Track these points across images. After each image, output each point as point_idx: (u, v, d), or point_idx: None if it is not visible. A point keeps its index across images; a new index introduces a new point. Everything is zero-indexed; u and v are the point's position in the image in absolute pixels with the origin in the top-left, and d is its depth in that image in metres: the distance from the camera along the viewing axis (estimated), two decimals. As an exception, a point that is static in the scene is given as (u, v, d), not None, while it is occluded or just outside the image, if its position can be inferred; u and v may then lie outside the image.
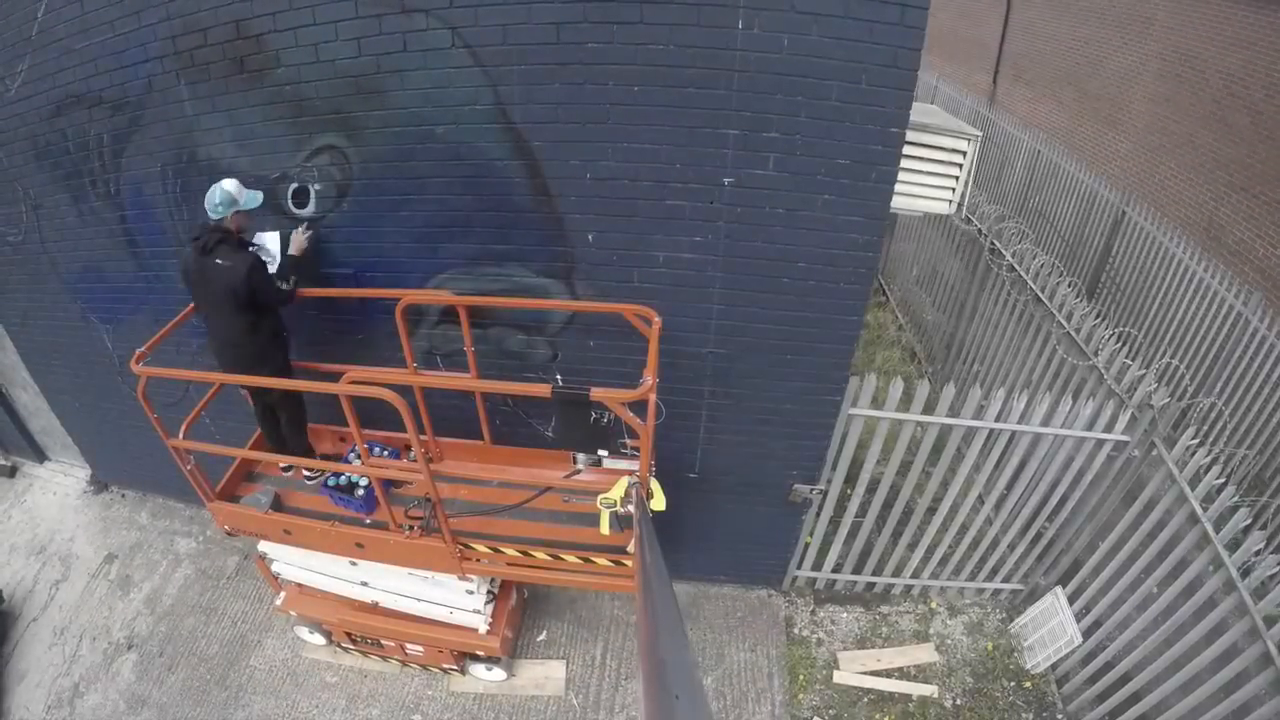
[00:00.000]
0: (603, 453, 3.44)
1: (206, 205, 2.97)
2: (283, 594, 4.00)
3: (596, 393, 2.60)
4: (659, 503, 2.88)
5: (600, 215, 3.00)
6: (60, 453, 5.72)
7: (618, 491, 2.71)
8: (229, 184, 3.00)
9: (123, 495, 5.49)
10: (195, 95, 3.27)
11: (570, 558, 3.24)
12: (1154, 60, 8.10)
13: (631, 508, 2.60)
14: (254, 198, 3.07)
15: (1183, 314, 5.85)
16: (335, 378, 2.81)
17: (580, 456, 3.64)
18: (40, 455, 5.80)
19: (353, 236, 3.30)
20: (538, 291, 3.23)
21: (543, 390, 2.67)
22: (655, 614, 1.30)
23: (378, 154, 3.10)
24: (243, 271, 2.97)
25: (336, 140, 3.14)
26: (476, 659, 4.03)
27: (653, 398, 2.86)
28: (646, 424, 2.75)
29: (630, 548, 3.09)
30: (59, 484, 5.66)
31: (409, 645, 4.01)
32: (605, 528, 2.81)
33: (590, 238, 3.05)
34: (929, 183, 3.81)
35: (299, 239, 3.25)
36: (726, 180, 2.89)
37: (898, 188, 3.72)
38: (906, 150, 3.69)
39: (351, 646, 4.21)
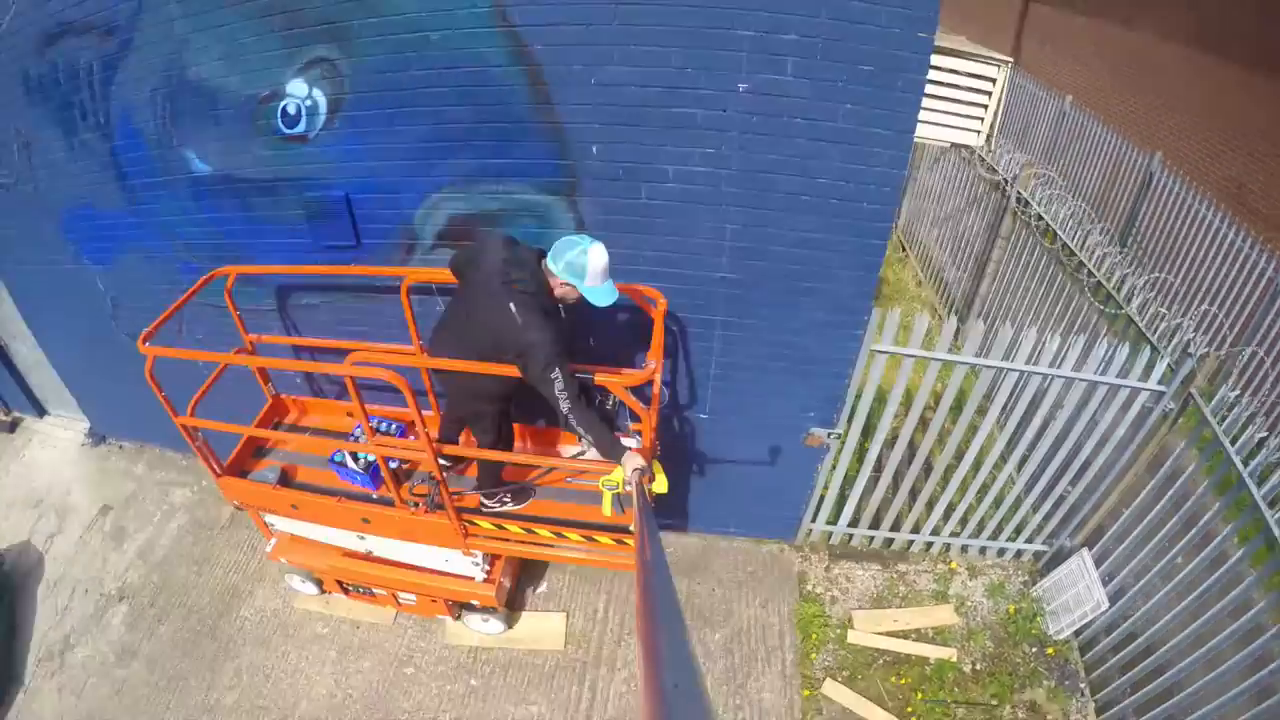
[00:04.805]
0: None
1: (554, 248, 2.52)
2: (273, 541, 3.87)
3: (600, 376, 2.60)
4: (661, 485, 2.84)
5: (605, 125, 2.80)
6: (59, 406, 5.64)
7: (619, 473, 2.67)
8: (596, 253, 2.45)
9: (120, 447, 5.40)
10: (186, 13, 3.12)
11: (573, 535, 3.23)
12: (1184, 21, 7.77)
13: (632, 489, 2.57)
14: (601, 294, 2.50)
15: (1211, 277, 5.60)
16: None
17: (585, 437, 3.57)
18: (40, 409, 5.72)
19: (345, 155, 3.13)
20: (539, 209, 3.05)
21: None
22: (653, 601, 1.28)
23: (371, 65, 2.92)
24: (524, 341, 2.45)
25: (328, 52, 2.97)
26: (472, 609, 3.88)
27: (657, 379, 2.83)
28: (650, 408, 2.73)
29: (632, 526, 3.06)
30: (58, 437, 5.57)
31: (402, 595, 3.88)
32: (608, 508, 2.79)
33: (595, 150, 2.86)
34: (957, 111, 3.60)
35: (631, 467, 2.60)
36: (741, 86, 2.69)
37: (924, 115, 3.52)
38: (933, 76, 3.48)
39: (343, 595, 4.08)
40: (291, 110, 3.10)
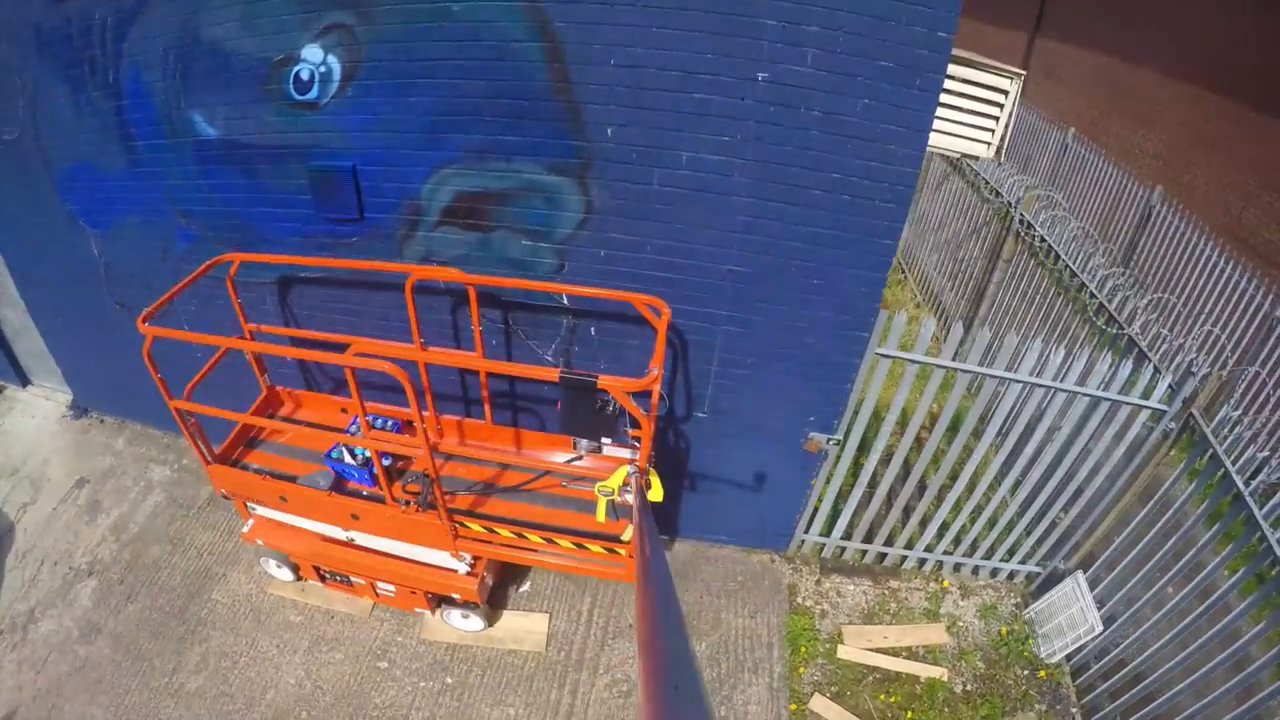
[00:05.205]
0: (605, 440, 3.42)
1: None
2: (250, 521, 3.74)
3: (603, 380, 2.59)
4: (657, 493, 2.83)
5: (622, 106, 2.78)
6: (44, 377, 5.51)
7: (616, 480, 2.66)
8: None
9: (101, 421, 5.26)
10: (207, -29, 3.10)
11: (564, 542, 3.19)
12: (1190, 61, 7.92)
13: (628, 497, 2.56)
14: None
15: (1209, 311, 5.63)
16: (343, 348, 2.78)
17: (582, 443, 3.56)
18: (23, 379, 5.59)
19: (354, 124, 3.09)
20: (548, 190, 3.01)
21: (550, 375, 2.62)
22: (655, 605, 1.27)
23: (389, 33, 2.89)
24: None
25: (346, 18, 2.94)
26: (452, 604, 3.76)
27: (656, 389, 2.84)
28: (649, 414, 2.73)
29: (625, 536, 3.09)
30: (40, 408, 5.43)
31: (380, 585, 3.76)
32: (601, 514, 2.79)
33: (609, 131, 2.83)
34: (968, 121, 3.60)
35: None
36: (761, 75, 2.68)
37: (936, 124, 3.52)
38: (946, 85, 3.49)
39: (320, 583, 3.94)
40: (305, 76, 3.07)
